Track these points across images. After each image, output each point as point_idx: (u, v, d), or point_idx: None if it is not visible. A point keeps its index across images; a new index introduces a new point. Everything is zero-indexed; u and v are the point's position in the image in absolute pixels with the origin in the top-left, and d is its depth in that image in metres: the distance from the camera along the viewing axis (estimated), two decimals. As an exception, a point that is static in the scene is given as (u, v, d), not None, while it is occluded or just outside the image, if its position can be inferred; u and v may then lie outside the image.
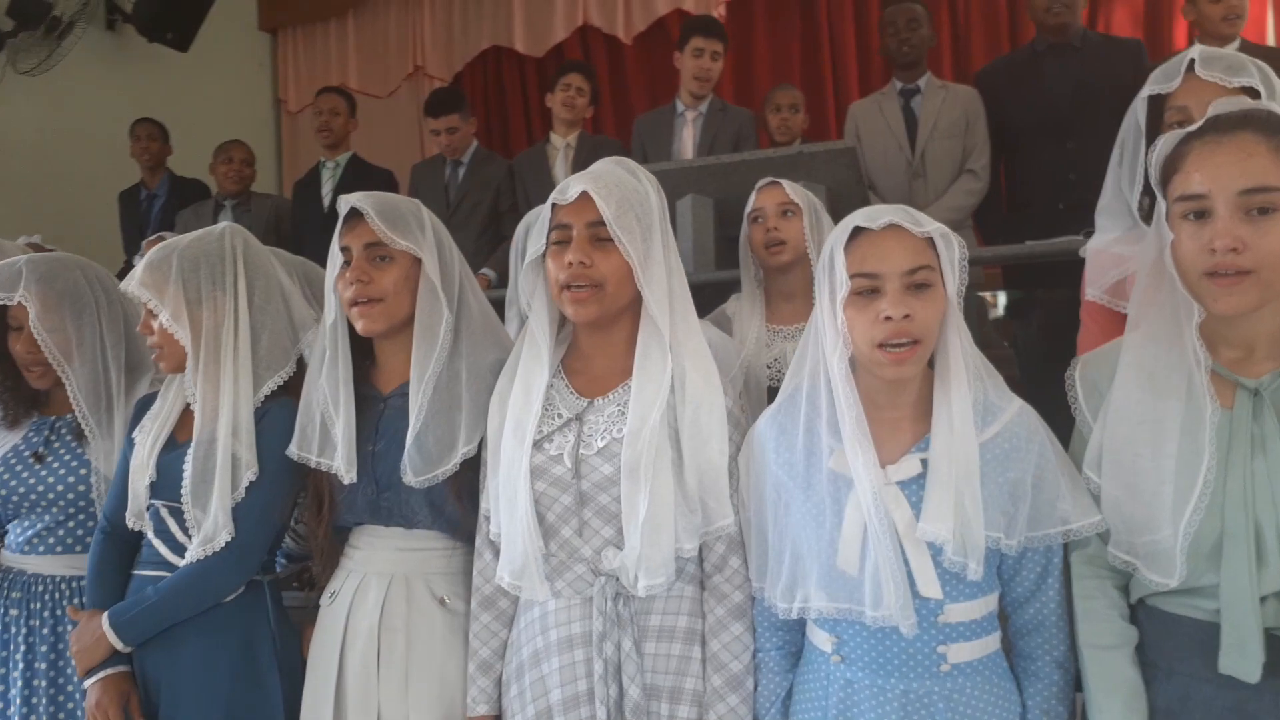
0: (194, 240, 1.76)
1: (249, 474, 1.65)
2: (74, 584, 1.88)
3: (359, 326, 1.60)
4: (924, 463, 1.25)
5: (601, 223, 1.42)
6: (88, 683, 1.68)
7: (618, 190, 1.44)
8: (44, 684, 1.85)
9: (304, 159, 6.44)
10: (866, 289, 1.23)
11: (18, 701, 1.85)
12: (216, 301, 1.71)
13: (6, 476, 1.90)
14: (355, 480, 1.58)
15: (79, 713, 1.84)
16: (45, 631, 1.86)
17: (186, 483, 1.66)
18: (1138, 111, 1.70)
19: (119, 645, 1.66)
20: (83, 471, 1.89)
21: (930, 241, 1.24)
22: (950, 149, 3.31)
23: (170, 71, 6.00)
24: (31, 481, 1.89)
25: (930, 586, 1.21)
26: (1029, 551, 1.27)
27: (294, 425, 1.67)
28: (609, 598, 1.40)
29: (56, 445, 1.93)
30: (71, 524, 1.89)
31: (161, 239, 3.32)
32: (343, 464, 1.59)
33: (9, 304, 1.88)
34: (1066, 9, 3.21)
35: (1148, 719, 1.22)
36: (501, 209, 3.85)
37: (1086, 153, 3.17)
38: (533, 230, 1.55)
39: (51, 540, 1.89)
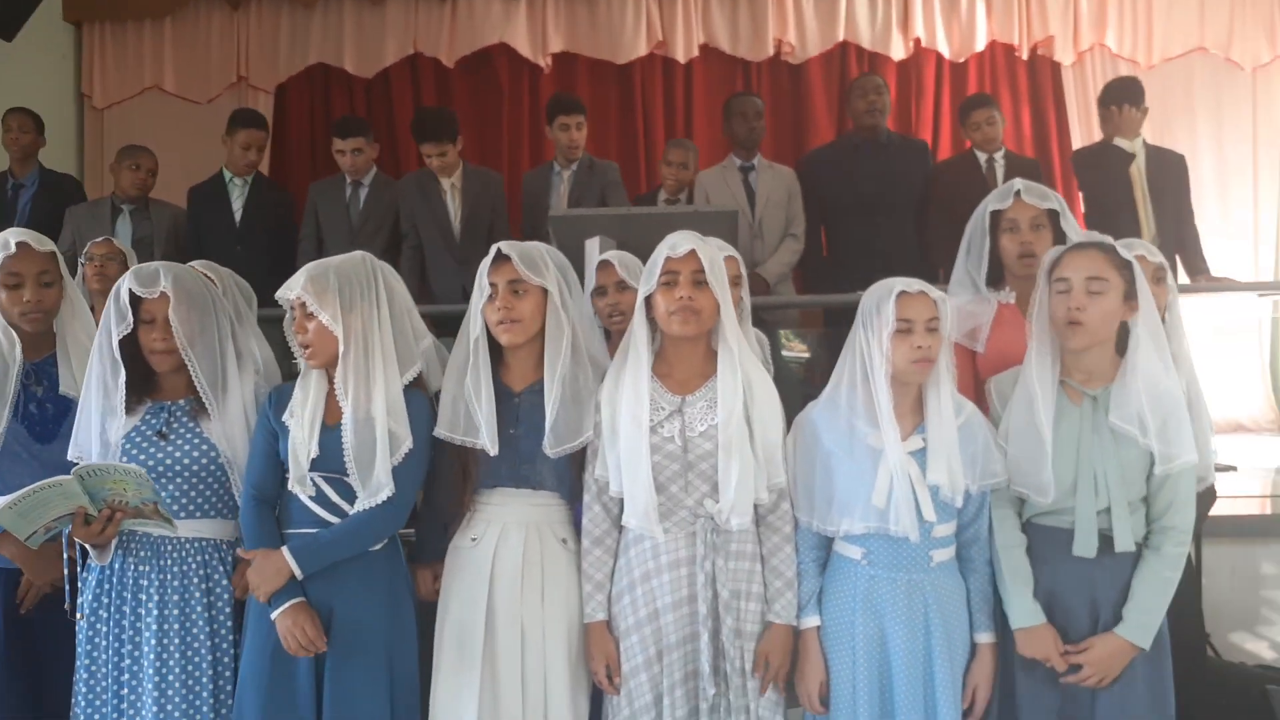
0: (345, 261, 2.17)
1: (405, 445, 2.11)
2: (197, 544, 2.21)
3: (504, 340, 2.15)
4: (924, 440, 2.04)
5: (701, 271, 2.09)
6: (275, 613, 2.06)
7: (709, 252, 2.12)
8: (176, 628, 2.17)
9: (109, 153, 6.35)
10: (904, 329, 2.00)
11: (152, 643, 2.15)
12: (362, 311, 2.13)
13: (135, 453, 2.19)
14: (498, 453, 2.14)
15: (204, 664, 2.17)
16: (176, 584, 2.18)
17: (349, 453, 2.09)
18: (983, 220, 2.57)
19: (297, 571, 2.06)
20: (204, 447, 2.21)
21: (935, 302, 2.03)
22: (779, 217, 4.26)
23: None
24: (160, 456, 2.20)
25: (930, 513, 2.00)
26: (975, 493, 2.08)
27: (427, 410, 2.18)
28: (708, 531, 2.07)
29: (176, 425, 2.23)
30: (194, 493, 2.21)
31: (109, 242, 3.51)
32: (488, 442, 2.13)
33: (152, 297, 2.18)
34: (879, 114, 4.25)
35: (1034, 588, 2.08)
36: (402, 231, 4.32)
37: (891, 225, 4.22)
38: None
39: (176, 508, 2.18)
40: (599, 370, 2.22)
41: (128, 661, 2.18)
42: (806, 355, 4.69)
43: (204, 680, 2.18)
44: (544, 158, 5.90)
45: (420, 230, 4.35)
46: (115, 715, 2.17)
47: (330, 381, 2.16)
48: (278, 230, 4.45)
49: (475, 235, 4.29)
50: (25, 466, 2.30)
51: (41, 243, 2.42)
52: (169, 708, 2.15)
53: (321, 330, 2.11)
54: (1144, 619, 2.04)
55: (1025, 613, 2.07)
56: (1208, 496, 2.38)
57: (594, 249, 3.70)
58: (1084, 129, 6.00)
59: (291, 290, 2.13)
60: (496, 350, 2.21)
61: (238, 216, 4.34)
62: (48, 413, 2.34)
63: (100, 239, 3.44)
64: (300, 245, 4.37)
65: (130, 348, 2.22)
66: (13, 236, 2.39)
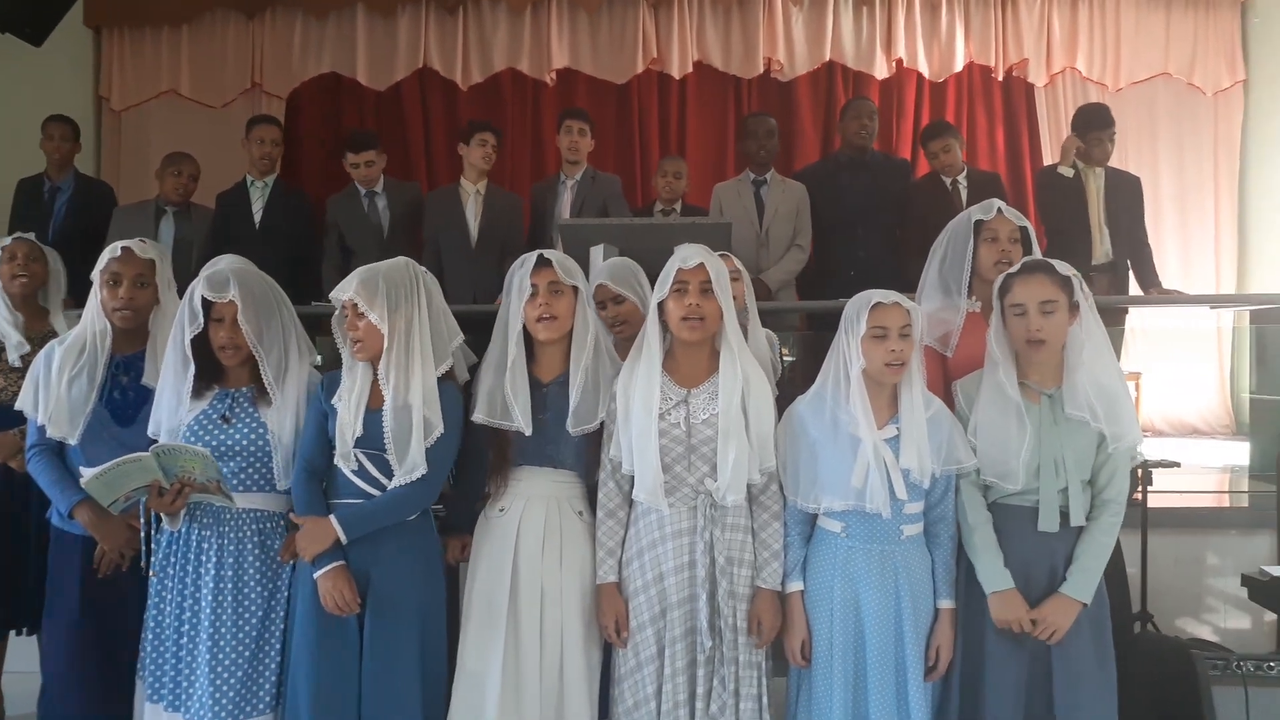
0: (391, 266, 2.44)
1: (437, 430, 2.40)
2: (253, 514, 2.48)
3: (542, 335, 2.44)
4: (897, 429, 2.35)
5: (708, 281, 2.40)
6: (317, 573, 2.35)
7: (716, 264, 2.43)
8: (230, 586, 2.44)
9: (126, 155, 6.67)
10: (879, 334, 2.31)
11: (209, 597, 2.43)
12: (405, 311, 2.41)
13: (202, 434, 2.47)
14: (530, 435, 2.44)
15: (254, 619, 2.45)
16: (232, 549, 2.46)
17: (389, 435, 2.37)
18: (967, 227, 2.82)
19: (342, 536, 2.33)
20: (260, 430, 2.48)
21: (908, 311, 2.35)
22: (785, 229, 4.58)
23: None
24: (221, 437, 2.47)
25: (902, 492, 2.31)
26: (941, 476, 2.40)
27: (458, 399, 2.47)
28: (707, 506, 2.38)
29: (238, 410, 2.51)
30: (250, 470, 2.48)
31: (144, 242, 3.74)
32: (523, 424, 2.43)
33: (222, 301, 2.45)
34: (869, 137, 4.59)
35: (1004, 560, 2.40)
36: (425, 238, 4.61)
37: (871, 237, 4.55)
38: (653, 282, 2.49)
39: (234, 482, 2.46)
40: (613, 362, 2.53)
41: (188, 614, 2.47)
42: (789, 357, 5.03)
43: (251, 633, 2.45)
44: (545, 169, 6.23)
45: (440, 237, 4.65)
46: (175, 660, 2.47)
47: (374, 371, 2.45)
48: (296, 232, 4.71)
49: (489, 246, 4.59)
50: (105, 446, 2.59)
51: (144, 250, 2.73)
52: (220, 655, 2.43)
53: (370, 328, 2.39)
54: (1085, 578, 2.36)
55: (998, 578, 2.37)
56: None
57: (598, 255, 4.02)
58: (1055, 148, 6.35)
59: (345, 292, 2.41)
60: (528, 346, 2.51)
61: (258, 219, 4.60)
62: (129, 399, 2.63)
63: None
64: (325, 255, 4.62)
65: (202, 343, 2.49)
66: (120, 242, 2.71)
